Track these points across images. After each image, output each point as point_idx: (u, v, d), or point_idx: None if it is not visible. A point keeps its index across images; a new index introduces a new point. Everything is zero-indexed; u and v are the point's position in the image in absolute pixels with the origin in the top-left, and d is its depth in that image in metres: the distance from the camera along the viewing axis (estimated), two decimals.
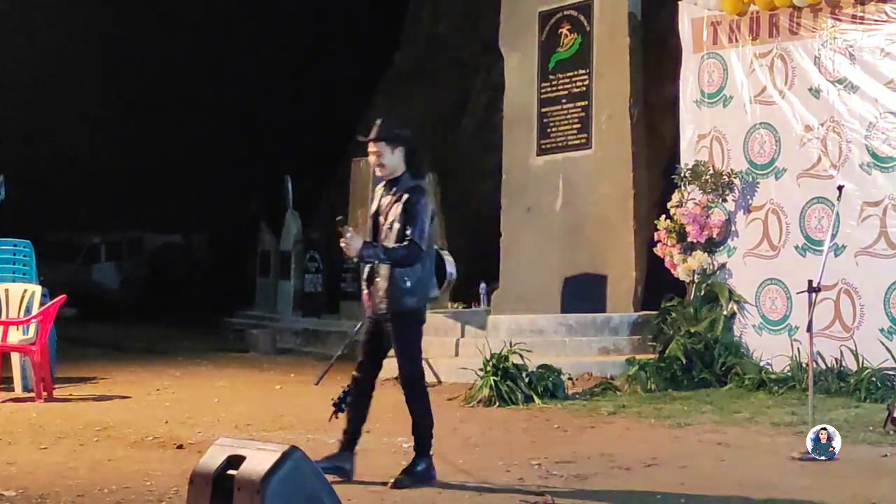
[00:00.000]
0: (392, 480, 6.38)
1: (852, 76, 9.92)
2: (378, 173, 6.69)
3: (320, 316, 16.53)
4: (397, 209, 6.46)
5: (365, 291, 6.68)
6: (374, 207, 6.70)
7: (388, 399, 9.67)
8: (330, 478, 5.17)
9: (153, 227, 27.95)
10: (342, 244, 6.39)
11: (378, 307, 6.52)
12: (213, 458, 4.43)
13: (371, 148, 6.61)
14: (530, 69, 13.18)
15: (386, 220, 6.52)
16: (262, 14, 29.26)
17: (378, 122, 6.71)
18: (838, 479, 6.39)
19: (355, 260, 6.52)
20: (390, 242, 6.41)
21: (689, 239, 10.77)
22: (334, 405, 6.82)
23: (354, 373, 6.70)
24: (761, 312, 10.42)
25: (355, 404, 6.65)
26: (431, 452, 6.56)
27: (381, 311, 6.51)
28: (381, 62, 21.90)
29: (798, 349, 9.89)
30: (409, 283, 6.47)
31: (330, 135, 24.18)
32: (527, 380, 9.70)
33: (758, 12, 10.56)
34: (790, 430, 7.96)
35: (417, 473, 6.45)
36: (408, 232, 6.41)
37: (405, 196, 6.46)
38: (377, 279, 6.51)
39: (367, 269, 6.64)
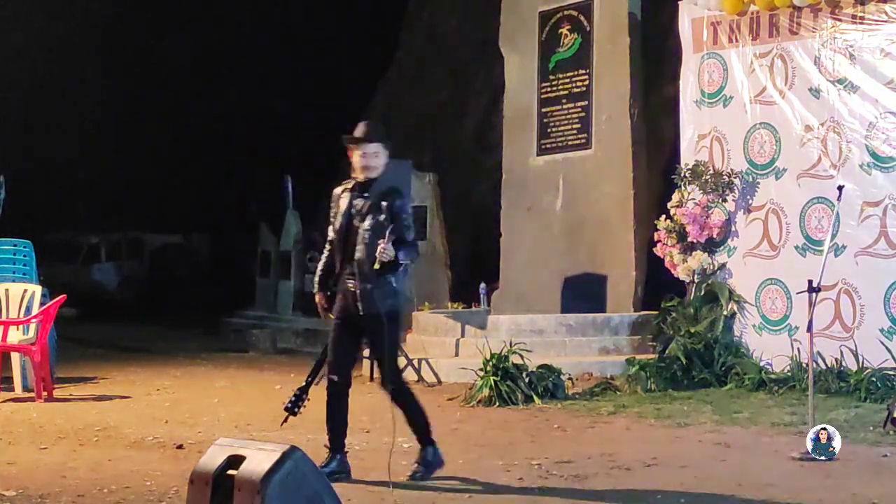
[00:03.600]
0: (409, 474, 6.49)
1: (852, 76, 9.92)
2: (364, 175, 6.54)
3: (320, 316, 16.50)
4: (379, 212, 6.40)
5: (340, 293, 6.60)
6: (343, 208, 6.55)
7: (388, 399, 9.67)
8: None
9: (153, 227, 27.95)
10: (381, 251, 6.31)
11: (364, 308, 6.46)
12: (213, 458, 4.43)
13: (368, 149, 6.52)
14: (530, 69, 13.17)
15: (363, 222, 6.44)
16: (263, 14, 29.28)
17: (366, 124, 6.69)
18: (838, 479, 6.39)
19: (385, 260, 6.36)
20: (382, 244, 6.33)
21: (689, 239, 10.77)
22: (287, 409, 6.83)
23: (332, 376, 6.64)
24: (761, 312, 10.42)
25: (339, 410, 6.64)
26: (434, 438, 6.63)
27: (366, 312, 6.45)
28: (381, 62, 21.91)
29: (798, 349, 9.89)
30: (395, 285, 6.50)
31: (330, 134, 24.17)
32: (527, 380, 9.70)
33: (758, 12, 10.56)
34: (790, 430, 7.96)
35: (430, 462, 6.55)
36: (408, 234, 6.49)
37: (388, 200, 6.44)
38: (363, 281, 6.43)
39: (344, 270, 6.55)
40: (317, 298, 6.82)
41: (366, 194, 6.50)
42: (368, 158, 6.52)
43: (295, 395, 6.86)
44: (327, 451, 6.65)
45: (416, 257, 6.67)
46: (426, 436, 6.62)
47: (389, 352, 6.58)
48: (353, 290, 6.50)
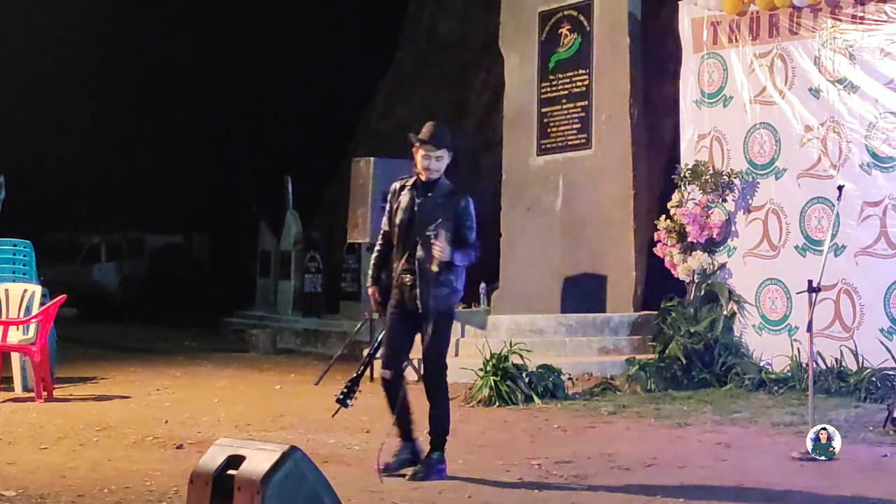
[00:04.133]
0: (410, 473, 6.52)
1: (852, 76, 9.92)
2: (426, 176, 6.66)
3: (320, 316, 16.54)
4: (446, 213, 6.52)
5: (396, 287, 6.65)
6: (404, 204, 6.65)
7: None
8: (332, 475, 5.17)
9: (153, 227, 27.96)
10: (436, 250, 6.41)
11: (422, 306, 6.54)
12: (213, 458, 4.43)
13: (434, 152, 6.62)
14: (530, 69, 13.17)
15: (427, 221, 6.54)
16: (263, 14, 29.29)
17: (434, 125, 6.76)
18: (838, 479, 6.39)
19: (440, 262, 6.47)
20: (439, 245, 6.44)
21: (689, 239, 10.77)
22: (338, 401, 6.84)
23: (385, 371, 6.71)
24: (761, 312, 10.43)
25: (395, 399, 6.67)
26: (445, 448, 6.67)
27: (424, 309, 6.54)
28: (381, 62, 21.90)
29: (798, 349, 9.89)
30: (456, 283, 6.64)
31: (330, 134, 24.21)
32: (527, 380, 9.70)
33: (758, 12, 10.56)
34: (790, 430, 7.96)
35: (432, 465, 6.58)
36: (470, 235, 6.60)
37: (454, 200, 6.58)
38: (421, 278, 6.52)
39: (402, 265, 6.61)
40: (370, 292, 6.85)
41: (430, 193, 6.62)
42: (431, 161, 6.64)
43: (346, 387, 6.89)
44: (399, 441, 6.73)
45: (475, 258, 6.71)
46: (440, 441, 6.66)
47: (438, 349, 6.65)
48: (409, 284, 6.58)
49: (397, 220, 6.68)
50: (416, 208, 6.61)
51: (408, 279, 6.58)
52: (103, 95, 28.98)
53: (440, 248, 6.42)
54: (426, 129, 6.71)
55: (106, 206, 28.44)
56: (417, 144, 6.68)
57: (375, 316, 11.71)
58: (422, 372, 6.92)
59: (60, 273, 20.85)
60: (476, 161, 17.57)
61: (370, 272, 6.87)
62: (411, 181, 6.72)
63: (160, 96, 28.98)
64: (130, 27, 28.95)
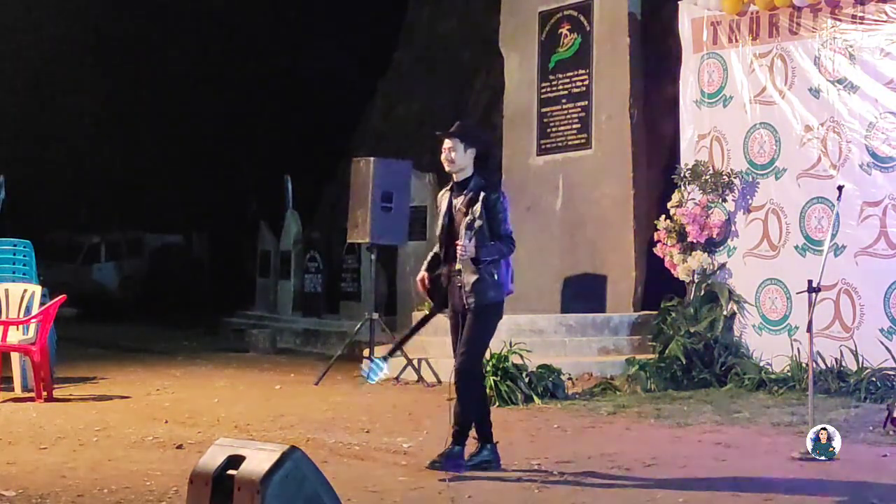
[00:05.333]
0: (429, 461, 6.62)
1: (852, 76, 9.92)
2: (447, 168, 6.84)
3: (320, 316, 16.54)
4: (477, 206, 6.62)
5: (450, 290, 6.75)
6: (444, 209, 6.84)
7: (387, 399, 9.68)
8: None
9: (153, 227, 27.95)
10: (459, 249, 6.55)
11: (465, 301, 6.64)
12: (212, 458, 4.43)
13: (446, 144, 6.79)
14: (530, 69, 13.18)
15: (461, 217, 6.66)
16: (262, 14, 29.28)
17: (459, 122, 7.04)
18: (838, 479, 6.39)
19: (460, 259, 6.61)
20: (471, 235, 6.57)
21: (688, 239, 10.77)
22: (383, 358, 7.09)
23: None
24: (761, 312, 10.43)
25: (478, 403, 6.80)
26: (466, 444, 6.71)
27: (466, 305, 6.63)
28: (381, 62, 21.91)
29: (798, 349, 9.90)
30: (496, 277, 6.69)
31: (330, 135, 24.21)
32: (527, 380, 9.70)
33: (758, 12, 10.56)
34: (790, 430, 7.96)
35: (452, 458, 6.62)
36: (501, 228, 6.70)
37: (483, 194, 6.66)
38: (463, 274, 6.63)
39: (452, 267, 6.73)
40: (419, 276, 6.92)
41: (464, 192, 6.73)
42: (447, 152, 6.79)
43: (393, 346, 7.06)
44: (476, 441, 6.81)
45: (508, 251, 6.78)
46: (463, 434, 6.70)
47: (472, 342, 6.68)
48: (458, 285, 6.69)
49: (438, 225, 6.89)
50: (452, 210, 6.79)
51: (457, 280, 6.70)
52: (103, 95, 28.97)
53: (462, 247, 6.55)
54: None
55: (106, 206, 28.43)
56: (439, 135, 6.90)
57: (375, 316, 11.73)
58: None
59: (60, 273, 20.86)
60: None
61: (424, 263, 6.98)
62: (450, 185, 6.90)
63: (160, 96, 28.97)
64: (130, 27, 28.94)
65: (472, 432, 6.80)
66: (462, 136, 6.79)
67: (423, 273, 6.92)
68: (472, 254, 6.58)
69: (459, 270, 6.67)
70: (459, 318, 6.76)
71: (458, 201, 6.75)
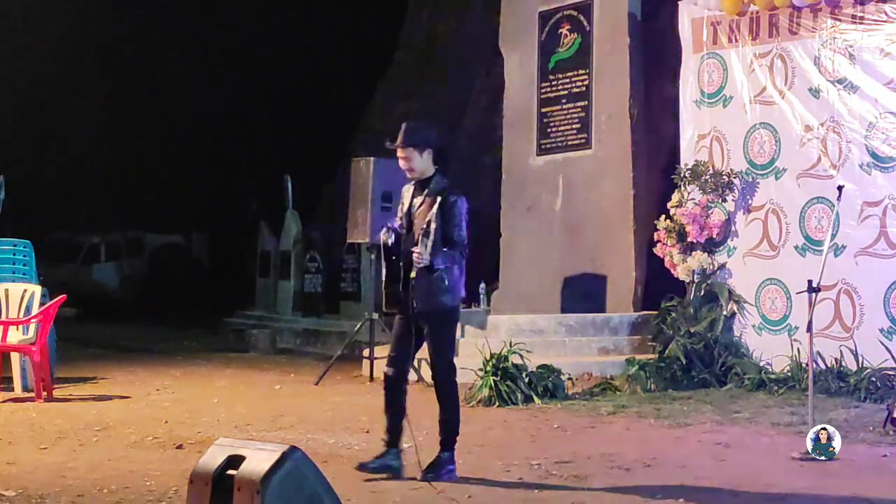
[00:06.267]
0: (422, 472, 6.52)
1: (852, 76, 9.92)
2: (409, 176, 6.81)
3: (320, 316, 16.53)
4: (434, 210, 6.57)
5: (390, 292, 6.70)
6: (405, 207, 6.79)
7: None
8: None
9: (153, 227, 27.94)
10: (416, 256, 6.51)
11: (417, 306, 6.59)
12: (212, 458, 4.43)
13: (400, 154, 6.73)
14: (530, 69, 13.18)
15: (421, 220, 6.62)
16: (262, 14, 29.27)
17: (404, 126, 6.82)
18: (838, 479, 6.39)
19: (415, 266, 6.55)
20: (428, 243, 6.52)
21: (688, 239, 10.77)
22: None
23: (386, 369, 6.78)
24: (761, 312, 10.43)
25: (392, 402, 6.74)
26: (455, 448, 6.69)
27: (419, 310, 6.58)
28: (381, 62, 21.90)
29: (798, 349, 9.90)
30: (447, 283, 6.62)
31: (330, 135, 24.20)
32: (526, 380, 9.70)
33: (757, 12, 10.57)
34: (790, 430, 7.96)
35: (442, 464, 6.59)
36: (455, 234, 6.61)
37: (441, 199, 6.60)
38: (416, 280, 6.57)
39: (398, 270, 6.68)
40: (383, 232, 6.76)
41: (424, 193, 6.70)
42: (405, 162, 6.75)
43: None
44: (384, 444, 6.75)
45: (461, 256, 6.71)
46: (450, 442, 6.67)
47: (437, 350, 6.72)
48: (411, 285, 6.62)
49: (399, 216, 6.82)
50: (412, 210, 6.72)
51: (410, 285, 6.62)
52: (103, 96, 28.96)
53: (417, 255, 6.49)
54: (399, 133, 6.79)
55: (105, 206, 28.42)
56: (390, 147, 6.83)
57: (375, 316, 11.72)
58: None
59: (60, 273, 20.84)
60: (476, 161, 17.57)
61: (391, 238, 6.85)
62: (414, 183, 6.83)
63: (160, 96, 28.97)
64: (130, 27, 28.94)
65: (384, 435, 6.74)
66: (415, 143, 6.70)
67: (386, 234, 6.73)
68: (427, 262, 6.50)
69: (412, 276, 6.58)
70: (410, 322, 6.67)
71: (418, 202, 6.70)
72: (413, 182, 6.82)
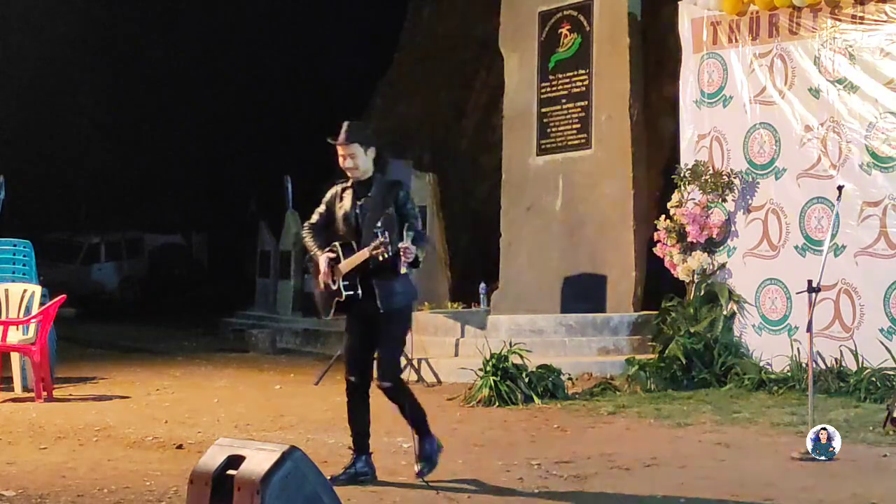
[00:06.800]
0: (416, 473, 6.43)
1: (852, 76, 9.92)
2: (351, 175, 6.60)
3: (320, 316, 16.51)
4: (386, 209, 6.41)
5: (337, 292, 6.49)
6: (348, 207, 6.55)
7: (387, 399, 9.66)
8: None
9: (153, 227, 27.96)
10: (381, 249, 6.24)
11: (374, 306, 6.42)
12: (212, 458, 4.43)
13: (343, 151, 6.56)
14: (530, 69, 13.18)
15: (374, 220, 6.40)
16: (262, 14, 29.28)
17: (346, 124, 6.68)
18: (838, 479, 6.39)
19: (409, 260, 6.32)
20: (405, 246, 6.27)
21: (688, 239, 10.77)
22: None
23: (349, 376, 6.60)
24: (761, 312, 10.43)
25: (356, 408, 6.60)
26: (429, 429, 6.58)
27: (384, 310, 6.43)
28: (381, 62, 21.91)
29: (798, 349, 9.89)
30: (410, 282, 6.53)
31: (330, 135, 24.17)
32: (527, 380, 9.69)
33: (757, 12, 10.56)
34: (790, 430, 7.96)
35: (430, 453, 6.52)
36: (417, 224, 6.45)
37: (393, 193, 6.47)
38: (376, 278, 6.41)
39: (351, 270, 6.47)
40: (323, 261, 6.53)
41: (370, 192, 6.53)
42: (345, 160, 6.57)
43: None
44: (351, 452, 6.63)
45: (425, 244, 6.61)
46: (424, 428, 6.56)
47: (392, 349, 6.58)
48: (371, 288, 6.43)
49: (343, 226, 6.56)
50: (357, 211, 6.52)
51: (363, 281, 6.42)
52: (103, 95, 28.99)
53: (405, 249, 6.23)
54: (339, 131, 6.63)
55: (105, 206, 28.45)
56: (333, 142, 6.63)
57: None
58: (378, 374, 6.58)
59: (60, 273, 20.87)
60: (476, 161, 17.59)
61: (316, 248, 6.63)
62: (350, 182, 6.63)
63: (159, 96, 28.99)
64: (130, 27, 28.96)
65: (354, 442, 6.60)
66: (360, 140, 6.55)
67: (326, 266, 6.51)
68: (414, 254, 6.27)
69: (362, 272, 6.39)
70: (365, 323, 6.50)
71: (365, 201, 6.50)
72: (344, 183, 6.62)
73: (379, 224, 6.36)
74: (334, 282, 6.51)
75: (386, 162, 6.79)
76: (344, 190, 6.66)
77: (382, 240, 6.21)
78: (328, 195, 6.75)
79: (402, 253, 6.26)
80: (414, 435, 6.58)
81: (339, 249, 6.52)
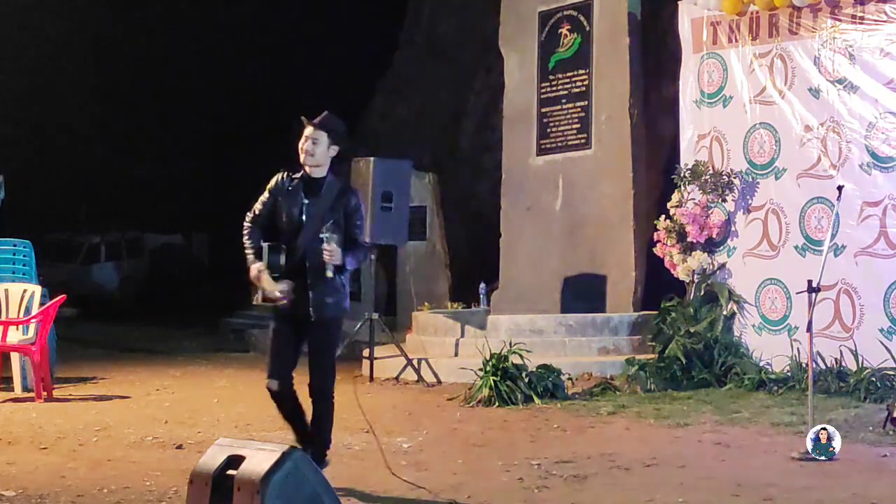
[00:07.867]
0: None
1: (852, 76, 9.92)
2: (302, 160, 6.35)
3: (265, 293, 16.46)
4: (336, 213, 6.24)
5: (283, 293, 6.22)
6: (291, 206, 6.29)
7: (388, 399, 9.68)
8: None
9: (153, 227, 27.94)
10: (326, 255, 6.13)
11: (314, 311, 6.22)
12: (212, 458, 4.43)
13: (308, 133, 6.35)
14: (530, 69, 13.18)
15: (319, 223, 6.21)
16: (262, 14, 29.28)
17: (326, 113, 6.54)
18: (838, 479, 6.39)
19: (331, 267, 6.17)
20: (329, 249, 6.13)
21: (688, 239, 10.77)
22: None
23: (270, 383, 6.33)
24: (761, 312, 10.43)
25: (286, 411, 6.39)
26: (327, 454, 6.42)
27: (316, 315, 6.22)
28: (381, 62, 21.90)
29: (798, 349, 9.90)
30: (346, 289, 6.35)
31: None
32: (526, 380, 9.70)
33: (757, 12, 10.57)
34: (790, 430, 7.96)
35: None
36: (358, 235, 6.30)
37: (344, 198, 6.30)
38: (316, 283, 6.20)
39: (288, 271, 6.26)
40: (257, 270, 6.31)
41: (319, 192, 6.31)
42: (307, 142, 6.34)
43: None
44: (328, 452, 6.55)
45: (365, 259, 6.46)
46: (323, 453, 6.32)
47: (328, 358, 6.38)
48: (299, 289, 6.22)
49: (284, 220, 6.32)
50: (305, 209, 6.28)
51: (297, 284, 6.21)
52: (103, 95, 28.97)
53: (330, 253, 6.11)
54: (318, 116, 6.49)
55: (105, 206, 28.43)
56: (304, 123, 6.42)
57: (375, 316, 11.72)
58: (310, 381, 6.37)
59: (60, 273, 20.85)
60: (476, 161, 17.58)
61: (250, 254, 6.43)
62: (299, 175, 6.37)
63: (160, 96, 28.98)
64: (130, 27, 28.94)
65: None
66: (330, 129, 6.36)
67: (257, 264, 6.32)
68: (339, 261, 6.14)
69: (299, 274, 6.19)
70: (295, 326, 6.28)
71: (313, 201, 6.25)
72: (296, 176, 6.36)
73: (325, 231, 6.16)
74: (265, 290, 6.28)
75: (345, 168, 6.60)
76: (292, 181, 6.38)
77: (327, 246, 6.08)
78: (273, 182, 6.46)
79: (325, 252, 6.09)
80: (309, 444, 6.29)
81: (267, 253, 6.27)
